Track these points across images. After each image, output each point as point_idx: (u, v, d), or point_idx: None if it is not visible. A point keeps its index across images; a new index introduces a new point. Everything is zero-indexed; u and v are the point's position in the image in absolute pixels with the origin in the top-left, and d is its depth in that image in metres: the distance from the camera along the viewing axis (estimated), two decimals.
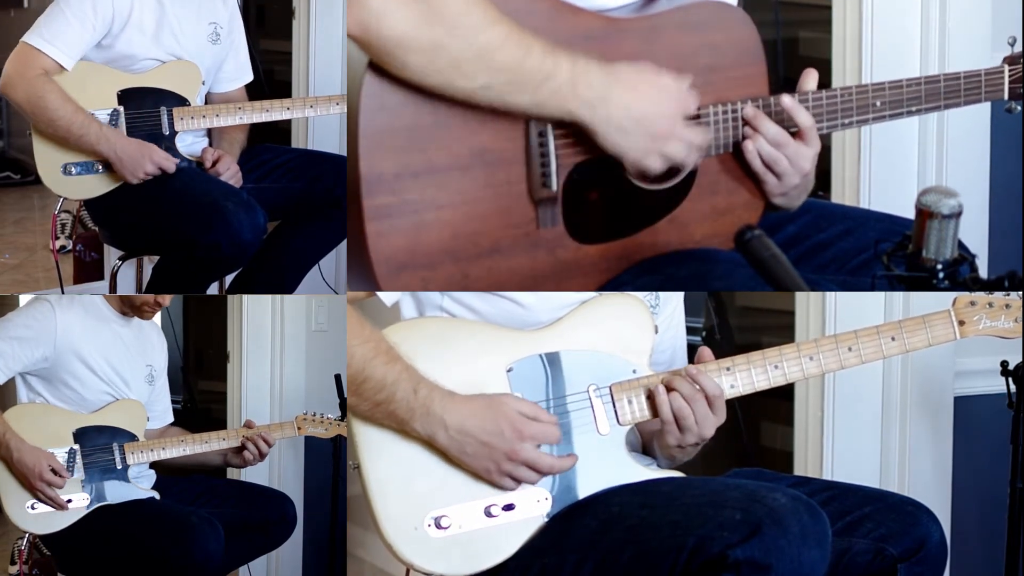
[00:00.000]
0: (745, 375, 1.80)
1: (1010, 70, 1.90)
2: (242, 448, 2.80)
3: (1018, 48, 1.90)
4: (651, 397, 1.78)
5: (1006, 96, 1.91)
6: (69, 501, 2.64)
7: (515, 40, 1.71)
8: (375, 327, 1.75)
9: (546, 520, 1.76)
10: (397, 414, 1.72)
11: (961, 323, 1.82)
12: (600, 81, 1.75)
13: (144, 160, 2.65)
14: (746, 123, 1.87)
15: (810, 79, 1.90)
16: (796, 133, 1.86)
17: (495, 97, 1.73)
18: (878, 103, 1.90)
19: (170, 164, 2.68)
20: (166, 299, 2.77)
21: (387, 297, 1.84)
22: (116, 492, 2.68)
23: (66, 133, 2.65)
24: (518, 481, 1.74)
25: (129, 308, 2.79)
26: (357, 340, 1.72)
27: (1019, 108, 1.91)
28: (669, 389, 1.77)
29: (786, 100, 1.87)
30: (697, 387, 1.76)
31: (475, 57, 1.70)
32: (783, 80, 2.86)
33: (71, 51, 2.65)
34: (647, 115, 1.77)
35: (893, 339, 1.81)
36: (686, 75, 1.81)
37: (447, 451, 1.73)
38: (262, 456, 2.81)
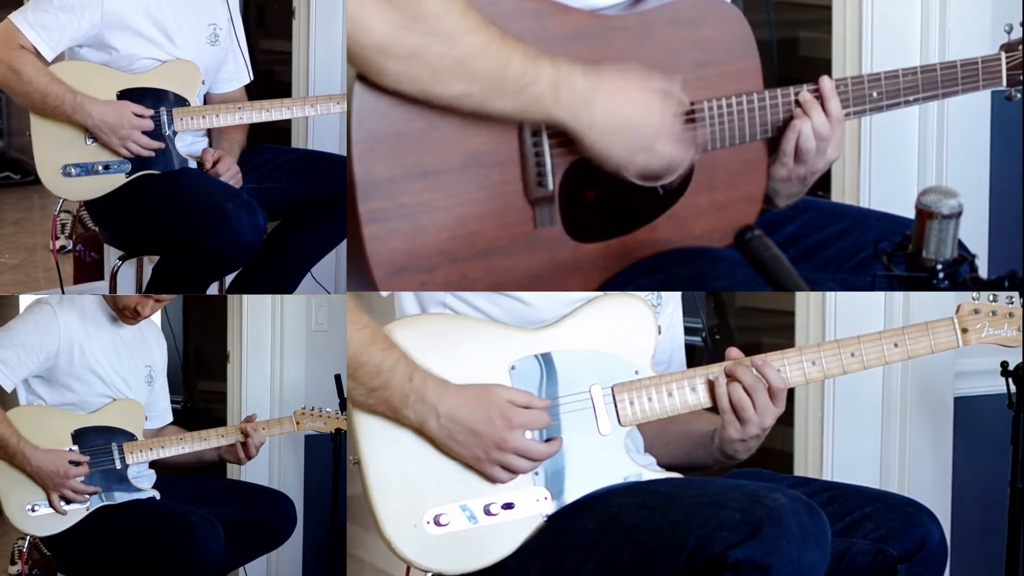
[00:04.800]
0: None
1: (1007, 57, 1.90)
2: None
3: (1015, 35, 1.90)
4: (711, 385, 1.78)
5: (1004, 84, 1.91)
6: (69, 502, 2.64)
7: (496, 47, 1.70)
8: (372, 315, 1.75)
9: (545, 519, 1.75)
10: (391, 401, 1.72)
11: (964, 331, 1.81)
12: (583, 86, 1.74)
13: (123, 122, 2.64)
14: (799, 105, 1.87)
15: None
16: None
17: (476, 104, 1.72)
18: (875, 94, 1.90)
19: (146, 121, 2.66)
20: (146, 308, 2.74)
21: (408, 307, 1.82)
22: (116, 492, 2.68)
23: (42, 104, 2.63)
24: (510, 471, 1.74)
25: (113, 310, 2.78)
26: (355, 326, 1.73)
27: (1018, 95, 1.91)
28: (730, 379, 1.77)
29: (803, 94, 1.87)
30: (759, 377, 1.76)
31: (454, 64, 1.69)
32: (778, 78, 2.86)
33: (52, 42, 2.64)
34: (632, 119, 1.76)
35: (896, 345, 1.80)
36: (676, 74, 1.81)
37: (437, 439, 1.73)
38: (257, 448, 2.81)
